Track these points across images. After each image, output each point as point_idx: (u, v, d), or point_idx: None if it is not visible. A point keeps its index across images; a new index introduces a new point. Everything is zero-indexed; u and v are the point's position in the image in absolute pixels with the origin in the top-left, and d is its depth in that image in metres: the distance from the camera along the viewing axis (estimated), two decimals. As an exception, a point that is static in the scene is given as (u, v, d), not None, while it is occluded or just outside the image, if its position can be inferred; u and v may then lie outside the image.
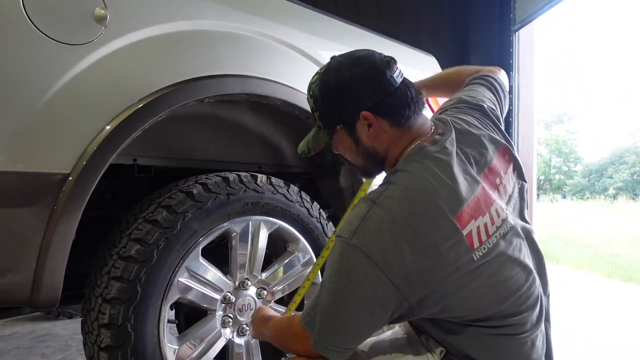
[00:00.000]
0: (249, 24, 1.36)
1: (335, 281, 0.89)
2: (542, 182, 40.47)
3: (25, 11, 0.99)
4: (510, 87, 5.58)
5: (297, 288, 1.48)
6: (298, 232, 1.61)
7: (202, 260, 1.41)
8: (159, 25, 1.16)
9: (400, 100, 1.00)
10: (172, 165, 1.50)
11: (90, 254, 1.37)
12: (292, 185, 1.55)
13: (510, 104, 5.57)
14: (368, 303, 0.87)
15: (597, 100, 67.45)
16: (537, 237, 1.09)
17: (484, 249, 0.92)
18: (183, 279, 1.36)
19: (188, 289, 1.37)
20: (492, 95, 1.25)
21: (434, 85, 1.47)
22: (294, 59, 1.46)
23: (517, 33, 5.53)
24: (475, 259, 0.90)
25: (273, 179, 1.50)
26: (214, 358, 1.47)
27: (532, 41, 5.51)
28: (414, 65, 2.04)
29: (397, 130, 1.01)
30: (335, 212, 1.80)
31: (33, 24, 1.00)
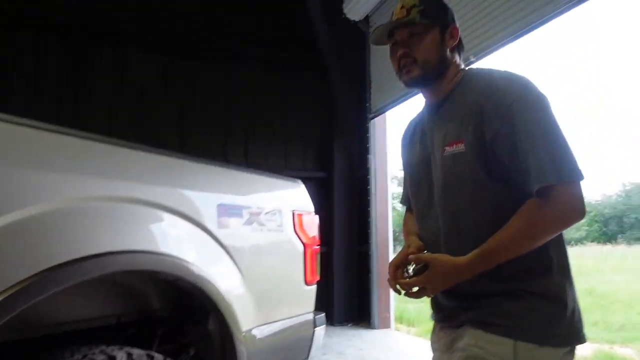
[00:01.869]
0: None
1: (551, 118, 1.07)
2: (397, 233, 44.03)
3: None
4: (367, 168, 6.13)
5: None
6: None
7: None
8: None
9: (462, 43, 1.30)
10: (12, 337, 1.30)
11: None
12: None
13: (368, 183, 6.14)
14: None
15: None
16: None
17: None
18: None
19: None
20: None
21: None
22: (163, 220, 1.42)
23: (372, 121, 6.16)
24: None
25: None
26: None
27: (385, 128, 6.17)
28: (282, 193, 2.10)
29: (458, 57, 1.27)
30: (199, 353, 1.74)
31: None
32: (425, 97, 1.33)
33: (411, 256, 1.18)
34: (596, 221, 31.62)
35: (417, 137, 1.34)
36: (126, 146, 1.36)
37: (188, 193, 1.48)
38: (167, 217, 1.39)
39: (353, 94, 6.39)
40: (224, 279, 1.55)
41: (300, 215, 2.00)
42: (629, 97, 59.18)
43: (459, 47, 1.27)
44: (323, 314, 2.15)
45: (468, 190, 1.14)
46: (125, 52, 5.81)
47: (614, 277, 13.23)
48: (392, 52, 1.27)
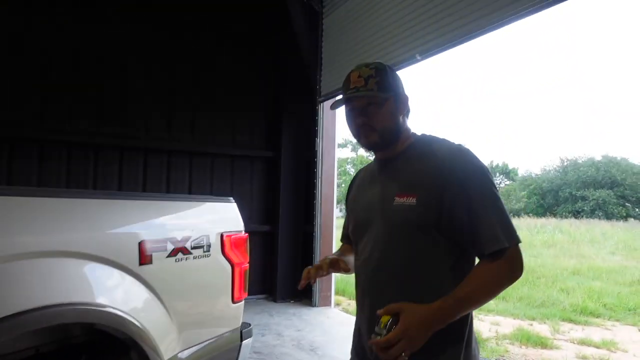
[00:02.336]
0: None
1: (494, 189, 1.22)
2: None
3: None
4: (315, 151, 6.18)
5: None
6: None
7: None
8: None
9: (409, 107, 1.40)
10: None
11: None
12: None
13: (315, 166, 6.20)
14: None
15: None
16: None
17: None
18: None
19: None
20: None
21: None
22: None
23: (322, 104, 6.16)
24: None
25: None
26: None
27: (334, 112, 6.18)
28: (210, 217, 2.11)
29: (407, 122, 1.39)
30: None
31: None
32: (377, 154, 1.42)
33: (379, 311, 1.15)
34: (535, 194, 33.48)
35: (367, 184, 1.45)
36: (31, 194, 1.33)
37: (106, 236, 1.48)
38: (82, 264, 1.39)
39: (303, 75, 6.33)
40: (145, 315, 1.58)
41: (229, 237, 2.04)
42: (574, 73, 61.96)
43: (408, 112, 1.39)
44: (250, 327, 2.24)
45: (410, 242, 1.25)
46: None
47: (543, 251, 14.22)
48: (350, 117, 1.35)
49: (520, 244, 1.18)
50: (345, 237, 1.61)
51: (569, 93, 61.32)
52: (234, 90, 6.40)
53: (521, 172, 43.73)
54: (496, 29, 3.45)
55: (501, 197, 1.23)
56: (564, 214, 28.73)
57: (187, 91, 6.15)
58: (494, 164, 48.99)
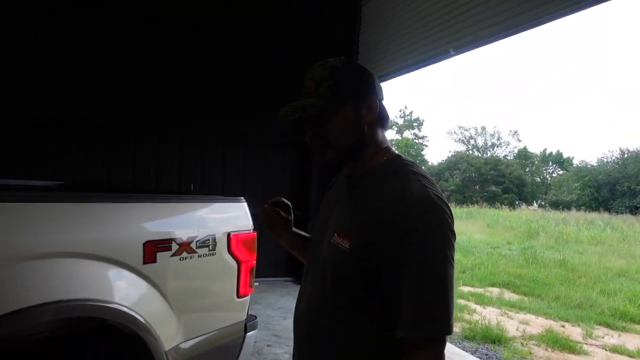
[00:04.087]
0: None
1: (449, 265, 0.95)
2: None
3: None
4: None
5: None
6: None
7: None
8: None
9: (387, 111, 1.15)
10: None
11: None
12: None
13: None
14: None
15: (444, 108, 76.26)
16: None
17: None
18: None
19: None
20: None
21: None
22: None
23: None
24: None
25: None
26: None
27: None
28: (217, 217, 2.21)
29: (381, 132, 1.14)
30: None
31: None
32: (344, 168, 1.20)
33: None
34: (589, 186, 31.87)
35: (335, 200, 1.21)
36: (47, 199, 1.47)
37: (111, 238, 1.61)
38: (92, 264, 1.54)
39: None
40: (148, 310, 1.71)
41: (236, 236, 2.14)
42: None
43: (382, 120, 1.13)
44: (256, 320, 2.35)
45: (341, 292, 1.05)
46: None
47: (590, 248, 13.61)
48: (304, 127, 1.12)
49: (447, 337, 0.94)
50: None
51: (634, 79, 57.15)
52: (267, 81, 6.45)
53: (576, 162, 41.69)
54: (533, 27, 3.32)
55: (453, 277, 0.96)
56: (619, 209, 27.24)
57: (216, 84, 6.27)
58: (547, 152, 47.03)
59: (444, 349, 0.95)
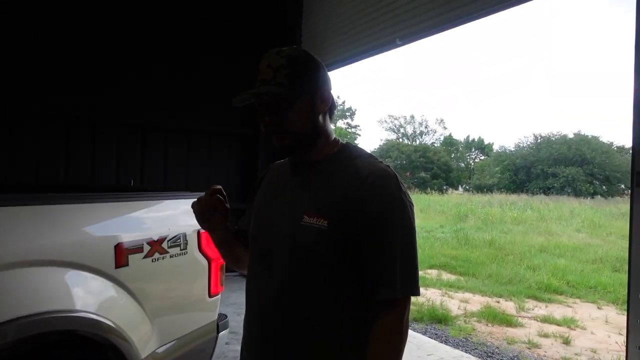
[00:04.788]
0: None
1: (412, 230, 1.09)
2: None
3: None
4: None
5: None
6: None
7: None
8: None
9: (335, 102, 1.21)
10: None
11: None
12: None
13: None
14: None
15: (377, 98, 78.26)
16: None
17: None
18: None
19: None
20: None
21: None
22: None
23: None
24: None
25: None
26: None
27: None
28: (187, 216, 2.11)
29: (329, 123, 1.19)
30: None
31: None
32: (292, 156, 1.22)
33: None
34: (508, 170, 34.27)
35: (277, 188, 1.23)
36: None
37: (81, 242, 1.47)
38: (59, 271, 1.39)
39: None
40: (121, 316, 1.60)
41: (206, 233, 2.05)
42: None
43: (330, 111, 1.19)
44: (227, 318, 2.29)
45: (315, 276, 1.08)
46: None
47: (513, 227, 14.69)
48: (258, 114, 1.14)
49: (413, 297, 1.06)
50: (241, 232, 1.34)
51: (548, 73, 62.14)
52: (212, 66, 6.25)
53: (496, 148, 44.60)
54: (478, 19, 3.46)
55: (417, 241, 1.10)
56: (535, 190, 29.56)
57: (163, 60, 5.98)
58: (470, 139, 49.85)
59: (409, 308, 1.07)
